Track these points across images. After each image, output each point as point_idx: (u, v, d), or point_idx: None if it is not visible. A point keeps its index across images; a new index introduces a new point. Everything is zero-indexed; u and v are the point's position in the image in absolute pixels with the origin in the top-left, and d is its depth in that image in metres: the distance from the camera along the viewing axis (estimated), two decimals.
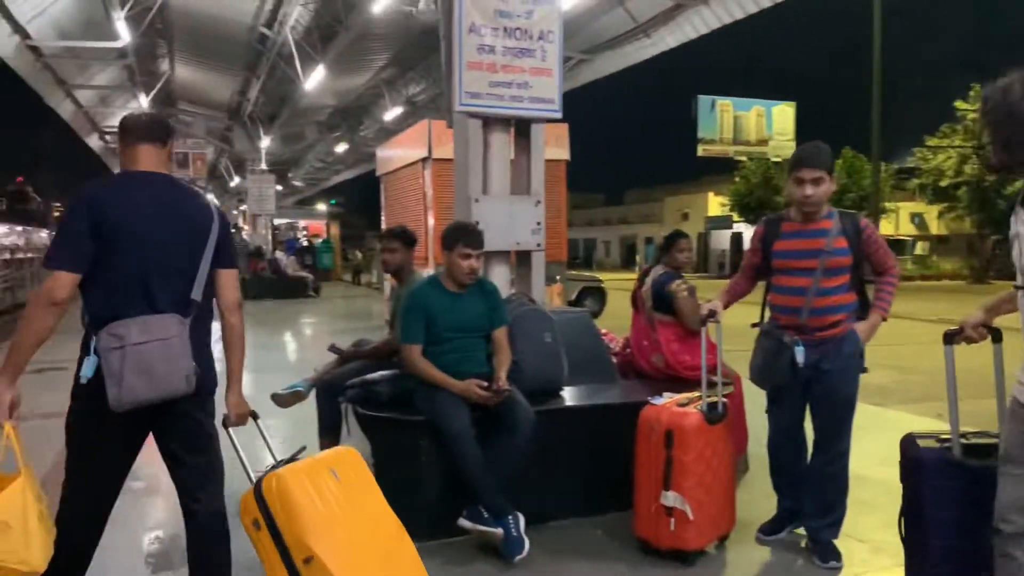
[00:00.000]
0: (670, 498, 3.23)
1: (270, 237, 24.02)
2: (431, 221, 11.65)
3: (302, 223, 31.77)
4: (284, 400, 4.27)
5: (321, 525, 2.33)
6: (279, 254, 21.08)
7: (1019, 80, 1.99)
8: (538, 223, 4.64)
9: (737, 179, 36.66)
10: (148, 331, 2.33)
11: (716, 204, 42.39)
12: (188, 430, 2.54)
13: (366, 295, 20.43)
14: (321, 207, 39.31)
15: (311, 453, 2.61)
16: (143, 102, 20.25)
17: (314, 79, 14.54)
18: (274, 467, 2.44)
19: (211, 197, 2.75)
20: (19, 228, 22.72)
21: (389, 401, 3.74)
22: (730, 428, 3.53)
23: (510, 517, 3.34)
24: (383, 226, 12.14)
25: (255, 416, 2.72)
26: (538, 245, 4.67)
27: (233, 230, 25.46)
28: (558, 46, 4.64)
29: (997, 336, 2.48)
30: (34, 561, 2.15)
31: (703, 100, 29.64)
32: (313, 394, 4.22)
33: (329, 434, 4.05)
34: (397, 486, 3.60)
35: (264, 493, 2.35)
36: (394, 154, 14.00)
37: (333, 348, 4.52)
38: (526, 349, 3.87)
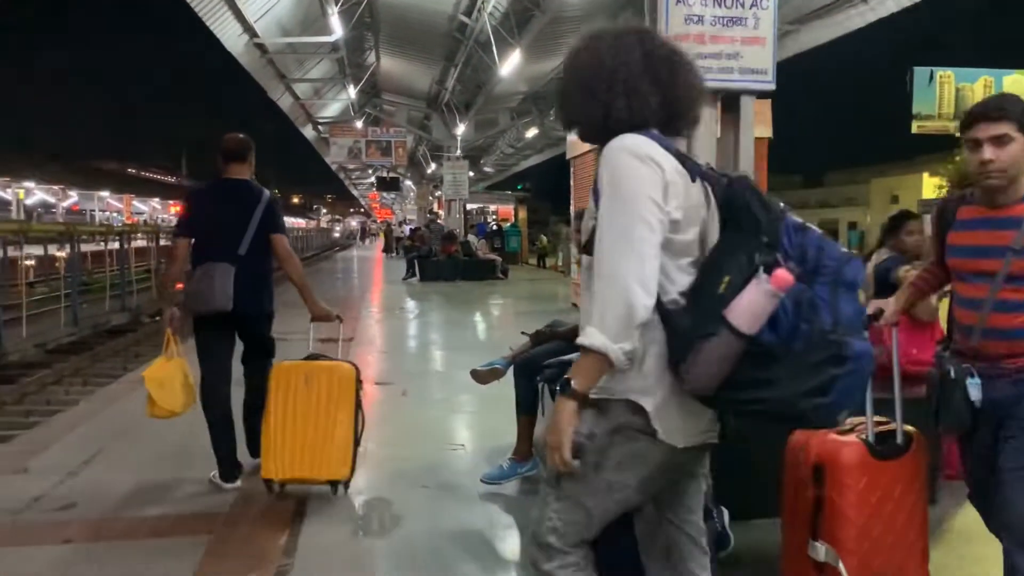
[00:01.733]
0: (820, 551, 2.47)
1: (463, 221, 24.90)
2: None
3: (492, 207, 32.64)
4: (482, 377, 4.34)
5: (272, 404, 3.79)
6: (471, 237, 21.78)
7: (610, 37, 1.88)
8: None
9: (958, 158, 33.04)
10: (206, 272, 3.91)
11: (931, 186, 38.51)
12: (250, 336, 4.18)
13: (551, 278, 20.63)
14: (509, 192, 40.23)
15: None
16: (351, 93, 21.69)
17: (510, 64, 14.78)
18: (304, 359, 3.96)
19: (266, 191, 3.75)
20: None
21: None
22: (918, 461, 2.58)
23: (713, 511, 3.18)
24: (572, 208, 12.14)
25: (339, 318, 4.24)
26: None
27: (429, 215, 26.80)
28: (772, 12, 4.32)
29: None
30: (176, 407, 3.91)
31: (919, 72, 26.78)
32: (511, 372, 4.25)
33: (526, 412, 4.05)
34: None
35: (271, 371, 3.91)
36: None
37: (525, 333, 4.53)
38: None
